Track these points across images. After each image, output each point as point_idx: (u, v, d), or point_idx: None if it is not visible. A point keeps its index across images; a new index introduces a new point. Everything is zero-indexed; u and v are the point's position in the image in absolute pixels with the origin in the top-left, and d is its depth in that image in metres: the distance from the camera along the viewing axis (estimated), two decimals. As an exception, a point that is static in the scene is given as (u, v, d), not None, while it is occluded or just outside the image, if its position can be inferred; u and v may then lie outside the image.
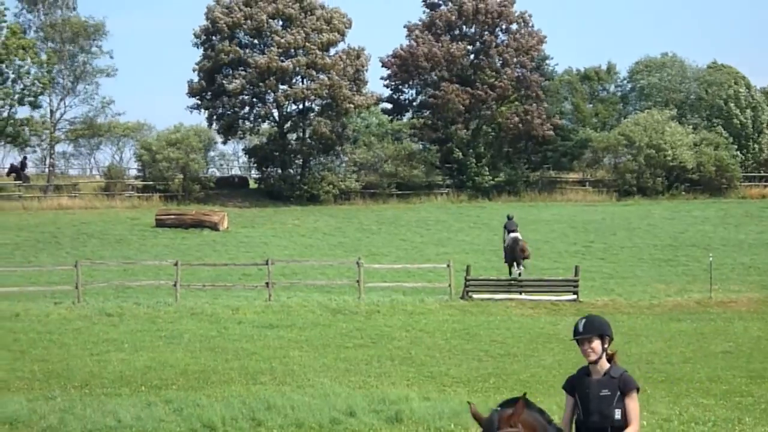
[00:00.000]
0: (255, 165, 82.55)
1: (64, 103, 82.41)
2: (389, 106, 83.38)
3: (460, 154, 76.52)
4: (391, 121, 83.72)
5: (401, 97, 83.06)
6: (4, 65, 71.64)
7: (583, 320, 10.03)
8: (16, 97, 72.54)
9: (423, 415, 16.86)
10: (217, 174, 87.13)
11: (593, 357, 9.88)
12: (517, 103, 79.83)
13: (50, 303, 35.40)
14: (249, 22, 74.79)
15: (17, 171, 79.11)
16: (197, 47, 78.09)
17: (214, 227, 58.58)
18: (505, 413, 8.57)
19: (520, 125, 77.31)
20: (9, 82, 72.68)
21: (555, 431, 9.16)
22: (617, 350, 9.99)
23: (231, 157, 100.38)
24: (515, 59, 79.06)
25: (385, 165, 75.91)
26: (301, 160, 77.30)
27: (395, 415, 16.87)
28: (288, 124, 77.95)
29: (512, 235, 44.18)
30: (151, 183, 73.43)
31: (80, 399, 18.67)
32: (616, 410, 9.71)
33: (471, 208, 69.76)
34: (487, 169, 76.75)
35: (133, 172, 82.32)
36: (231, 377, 21.97)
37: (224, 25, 74.84)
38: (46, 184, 77.75)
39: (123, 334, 29.35)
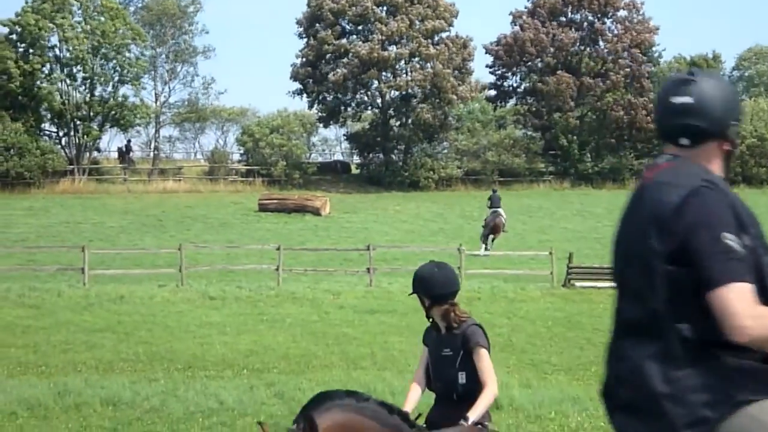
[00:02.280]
0: (357, 151, 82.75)
1: (169, 87, 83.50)
2: (493, 93, 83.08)
3: (565, 141, 75.95)
4: (495, 109, 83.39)
5: (505, 83, 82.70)
6: (105, 47, 72.55)
7: (415, 275, 8.89)
8: (117, 78, 73.44)
9: (523, 403, 16.72)
10: (320, 159, 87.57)
11: (425, 312, 8.86)
12: (624, 91, 78.96)
13: (154, 286, 35.76)
14: (354, 8, 74.83)
15: (123, 155, 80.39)
16: (300, 36, 78.42)
17: (316, 212, 58.84)
18: None
19: (626, 117, 76.58)
20: (111, 63, 73.60)
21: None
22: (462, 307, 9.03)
23: (333, 143, 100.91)
24: (626, 52, 78.13)
25: (489, 153, 75.67)
26: (403, 147, 77.28)
27: (494, 402, 16.76)
28: (391, 111, 77.96)
29: (493, 209, 47.72)
30: (254, 167, 73.97)
31: (183, 381, 18.82)
32: (460, 373, 8.51)
33: (574, 196, 69.26)
34: (590, 156, 76.14)
35: (237, 157, 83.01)
36: (332, 362, 22.01)
37: (329, 13, 74.99)
38: (151, 168, 78.78)
39: (225, 318, 29.56)
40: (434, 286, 8.70)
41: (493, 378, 8.54)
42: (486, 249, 46.66)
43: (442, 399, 8.64)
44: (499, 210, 48.40)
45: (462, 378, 8.47)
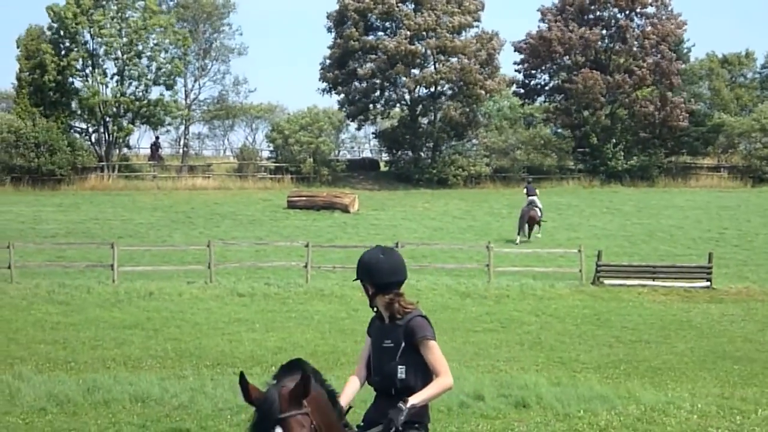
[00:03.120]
0: (386, 148, 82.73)
1: (198, 84, 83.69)
2: (521, 90, 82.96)
3: (596, 139, 75.75)
4: (522, 105, 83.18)
5: (533, 81, 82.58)
6: (140, 45, 72.76)
7: (359, 261, 8.28)
8: (152, 77, 73.60)
9: (551, 401, 16.69)
10: (348, 156, 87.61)
11: (369, 301, 8.27)
12: (653, 87, 78.67)
13: (183, 282, 35.87)
14: (380, 6, 74.86)
15: (155, 150, 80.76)
16: (330, 32, 78.60)
17: (344, 209, 58.85)
18: (287, 389, 6.80)
19: (656, 113, 76.33)
20: (144, 60, 73.76)
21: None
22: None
23: (362, 140, 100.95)
24: (653, 48, 77.86)
25: (518, 152, 75.61)
26: (432, 144, 77.25)
27: (523, 400, 16.73)
28: (419, 108, 77.94)
29: (530, 198, 49.58)
30: (282, 165, 74.07)
31: (211, 378, 18.86)
32: (400, 367, 7.97)
33: (603, 193, 69.05)
34: (622, 154, 75.93)
35: (266, 154, 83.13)
36: (360, 359, 22.02)
37: (353, 13, 75.15)
38: (180, 165, 78.99)
39: (254, 314, 29.61)
40: (379, 274, 8.11)
41: (447, 369, 8.04)
42: (520, 239, 48.38)
43: (380, 394, 8.16)
44: (534, 199, 49.93)
45: (401, 372, 7.95)
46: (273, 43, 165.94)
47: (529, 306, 32.49)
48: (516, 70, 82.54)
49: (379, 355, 8.09)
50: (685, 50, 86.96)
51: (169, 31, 74.14)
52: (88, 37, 72.82)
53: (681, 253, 45.48)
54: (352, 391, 8.26)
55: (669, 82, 77.84)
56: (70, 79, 72.18)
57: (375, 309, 8.25)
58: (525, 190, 52.06)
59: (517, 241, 47.87)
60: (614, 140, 76.48)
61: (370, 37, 75.83)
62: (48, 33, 72.13)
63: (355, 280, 8.26)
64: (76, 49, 71.60)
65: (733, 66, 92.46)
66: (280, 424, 6.75)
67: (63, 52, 71.50)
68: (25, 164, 68.25)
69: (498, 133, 77.52)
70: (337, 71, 76.74)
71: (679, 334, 26.97)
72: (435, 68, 75.57)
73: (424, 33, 74.95)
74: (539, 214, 49.99)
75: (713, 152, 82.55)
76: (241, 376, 6.84)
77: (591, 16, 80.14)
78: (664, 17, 79.40)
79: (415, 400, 7.75)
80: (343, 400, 7.90)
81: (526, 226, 49.35)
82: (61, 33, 71.70)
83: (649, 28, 78.44)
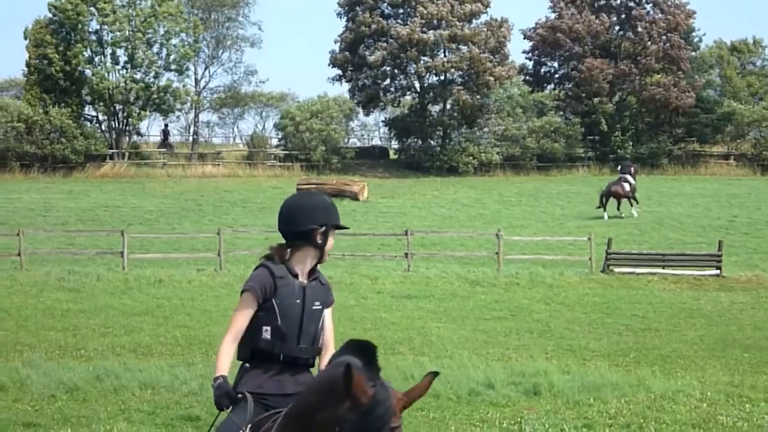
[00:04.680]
0: (395, 136, 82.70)
1: (209, 72, 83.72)
2: (530, 78, 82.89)
3: (605, 126, 75.66)
4: (532, 92, 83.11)
5: (542, 69, 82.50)
6: (150, 32, 72.72)
7: (322, 201, 7.82)
8: (162, 64, 73.59)
9: (562, 388, 16.69)
10: (358, 144, 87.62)
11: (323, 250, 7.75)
12: (661, 75, 78.55)
13: (193, 270, 35.89)
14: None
15: (166, 136, 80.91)
16: (340, 17, 78.56)
17: (354, 197, 58.84)
18: (399, 400, 5.98)
19: (660, 97, 76.23)
20: (155, 48, 73.72)
21: None
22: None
23: (372, 128, 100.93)
24: (662, 36, 77.72)
25: (528, 139, 75.51)
26: (442, 132, 77.21)
27: (533, 388, 16.73)
28: (429, 95, 77.88)
29: (620, 175, 52.19)
30: (292, 152, 74.08)
31: (221, 365, 18.87)
32: (320, 333, 7.58)
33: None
34: (631, 141, 75.85)
35: (275, 142, 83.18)
36: (369, 347, 22.00)
37: (369, -2, 75.18)
38: (190, 152, 79.04)
39: (263, 302, 29.60)
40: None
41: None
42: (607, 215, 51.52)
43: (290, 366, 7.44)
44: (626, 176, 52.39)
45: (320, 340, 7.61)
46: (283, 32, 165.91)
47: (539, 294, 32.46)
48: (527, 58, 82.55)
49: (309, 319, 7.43)
50: (696, 39, 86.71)
51: (180, 18, 74.07)
52: (95, 25, 72.82)
53: (691, 241, 45.40)
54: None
55: (678, 69, 77.72)
56: (79, 68, 72.12)
57: (275, 262, 7.54)
58: (619, 167, 54.48)
59: (605, 218, 51.02)
60: (622, 127, 76.40)
61: (383, 21, 75.74)
62: (52, 26, 72.04)
63: (321, 226, 7.59)
64: (80, 39, 71.48)
65: (741, 53, 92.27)
66: None
67: (68, 44, 71.38)
68: (36, 151, 68.37)
69: (512, 121, 77.37)
70: (348, 59, 76.70)
71: (689, 322, 26.93)
72: (445, 56, 75.50)
73: (436, 21, 74.88)
74: (626, 188, 52.07)
75: (723, 140, 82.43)
76: (348, 368, 5.79)
77: (602, 2, 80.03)
78: (672, 6, 79.25)
79: None
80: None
81: (606, 200, 51.67)
82: (65, 25, 71.58)
83: (659, 15, 78.33)
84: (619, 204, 52.29)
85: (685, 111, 77.69)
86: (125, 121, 74.20)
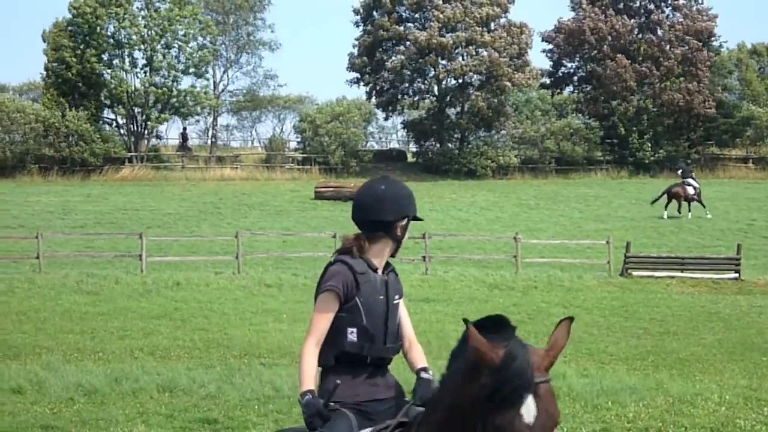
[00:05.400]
0: (413, 139, 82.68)
1: (227, 75, 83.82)
2: (548, 80, 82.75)
3: (623, 129, 75.50)
4: (552, 95, 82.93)
5: (561, 70, 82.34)
6: (168, 35, 72.80)
7: (405, 191, 7.15)
8: (181, 67, 73.67)
9: (581, 392, 16.64)
10: (376, 147, 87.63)
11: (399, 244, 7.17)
12: (681, 79, 78.34)
13: (211, 273, 35.95)
14: (411, -4, 74.93)
15: (185, 139, 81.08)
16: (357, 25, 78.57)
17: (372, 200, 58.78)
18: (538, 353, 5.33)
19: (681, 103, 76.03)
20: (173, 51, 73.83)
21: None
22: None
23: (390, 131, 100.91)
24: (683, 39, 77.52)
25: (547, 141, 75.40)
26: (460, 135, 77.17)
27: (552, 392, 16.68)
28: (447, 99, 77.85)
29: (683, 179, 53.41)
30: (311, 155, 74.12)
31: (239, 368, 18.89)
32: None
33: (631, 185, 68.86)
34: (649, 145, 75.66)
35: (293, 145, 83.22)
36: (387, 350, 21.98)
37: (386, 1, 75.10)
38: (208, 156, 79.16)
39: (282, 305, 29.63)
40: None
41: None
42: (668, 214, 53.01)
43: (378, 367, 6.97)
44: (688, 180, 53.76)
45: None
46: (300, 35, 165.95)
47: (557, 297, 32.41)
48: (546, 56, 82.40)
49: (392, 315, 6.95)
50: (717, 44, 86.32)
51: (195, 20, 74.16)
52: (113, 28, 72.95)
53: (709, 245, 45.28)
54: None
55: (697, 74, 77.53)
56: (98, 71, 72.26)
57: (354, 256, 6.94)
58: (680, 171, 55.33)
59: (664, 217, 52.62)
60: (640, 131, 76.23)
61: (400, 27, 75.75)
62: (70, 28, 72.18)
63: (403, 218, 7.01)
64: (98, 42, 71.61)
65: (761, 57, 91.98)
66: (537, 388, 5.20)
67: (86, 47, 71.52)
68: (54, 154, 68.57)
69: (529, 124, 77.27)
70: (366, 63, 76.74)
71: (708, 326, 26.86)
72: (463, 59, 75.43)
73: (453, 25, 74.81)
74: (689, 191, 53.24)
75: (742, 144, 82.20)
76: (466, 324, 5.30)
77: (621, 5, 79.89)
78: (694, 9, 79.04)
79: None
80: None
81: (668, 201, 53.12)
82: (84, 28, 71.69)
83: (680, 20, 78.14)
84: (679, 206, 53.29)
85: (705, 118, 77.55)
86: (144, 124, 74.35)
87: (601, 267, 38.34)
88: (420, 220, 7.25)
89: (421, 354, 7.20)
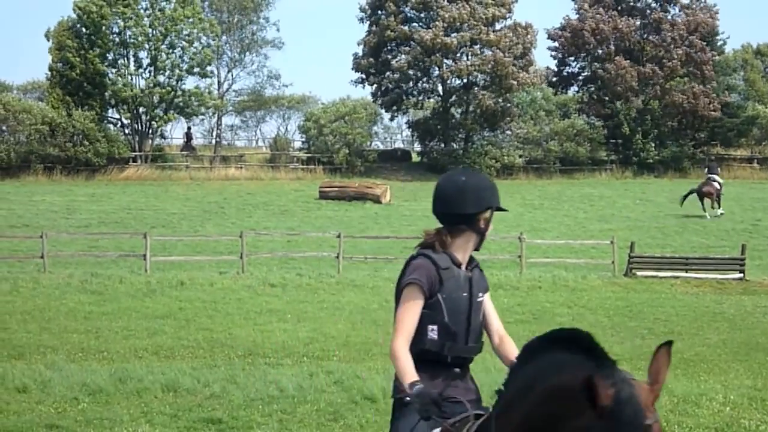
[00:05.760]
0: (418, 139, 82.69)
1: (231, 75, 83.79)
2: (554, 79, 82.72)
3: (628, 129, 75.46)
4: (555, 94, 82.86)
5: (566, 69, 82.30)
6: (173, 35, 72.78)
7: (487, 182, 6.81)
8: (185, 67, 73.66)
9: (584, 393, 16.62)
10: (381, 147, 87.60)
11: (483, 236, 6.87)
12: (685, 79, 78.28)
13: (215, 272, 35.96)
14: (416, -4, 74.91)
15: (189, 139, 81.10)
16: (362, 22, 78.57)
17: (376, 200, 58.85)
18: (644, 389, 5.13)
19: (686, 104, 75.93)
20: (177, 51, 73.80)
21: None
22: None
23: (394, 131, 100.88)
24: (686, 37, 77.43)
25: (551, 142, 75.35)
26: (464, 135, 77.16)
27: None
28: (452, 98, 77.84)
29: (708, 175, 53.84)
30: (315, 155, 74.14)
31: (243, 368, 18.88)
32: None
33: (636, 185, 68.82)
34: (653, 145, 75.61)
35: (298, 144, 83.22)
36: (391, 350, 21.95)
37: (391, 2, 75.09)
38: (212, 155, 79.18)
39: (286, 305, 29.63)
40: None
41: None
42: (709, 214, 53.12)
43: (462, 367, 6.83)
44: (714, 176, 53.80)
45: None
46: (304, 34, 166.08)
47: (562, 297, 32.39)
48: (552, 56, 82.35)
49: (475, 313, 6.72)
50: (720, 42, 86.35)
51: (197, 19, 74.13)
52: (118, 28, 72.96)
53: (714, 245, 45.24)
54: None
55: (701, 73, 77.49)
56: (103, 70, 72.30)
57: (436, 250, 6.63)
58: (706, 169, 56.23)
59: (708, 216, 52.78)
60: (645, 131, 76.16)
61: (405, 27, 75.75)
62: (74, 29, 72.20)
63: (486, 209, 6.69)
64: (102, 43, 71.61)
65: (766, 57, 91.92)
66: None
67: (91, 46, 71.53)
68: (59, 154, 68.62)
69: (533, 124, 77.27)
70: (371, 63, 76.71)
71: (712, 326, 26.84)
72: (468, 59, 75.40)
73: (458, 25, 74.80)
74: (717, 187, 53.47)
75: (747, 144, 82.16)
76: (590, 380, 4.85)
77: (625, 6, 79.83)
78: (697, 8, 79.01)
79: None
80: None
81: (702, 200, 53.36)
82: (88, 27, 71.71)
83: (681, 18, 78.09)
84: (703, 203, 53.65)
85: (709, 119, 77.52)
86: (148, 124, 74.40)
87: (606, 267, 38.30)
88: (504, 210, 6.93)
89: (515, 348, 6.87)
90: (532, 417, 5.30)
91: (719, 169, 56.69)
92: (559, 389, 5.15)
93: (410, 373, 6.28)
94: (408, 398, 6.24)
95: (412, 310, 6.47)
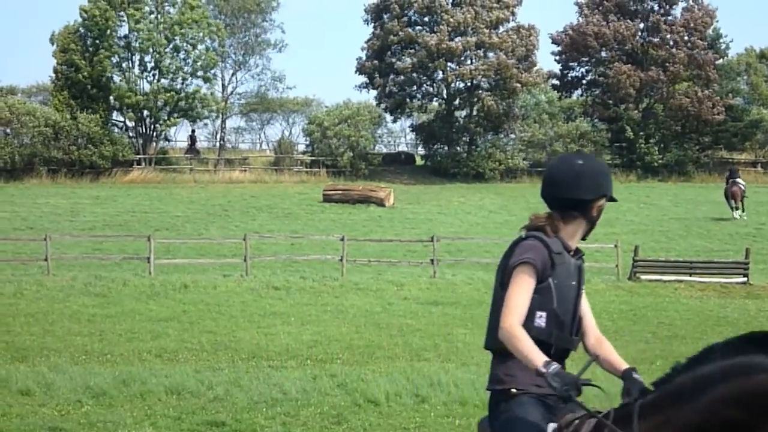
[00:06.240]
0: (421, 142, 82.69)
1: (236, 78, 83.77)
2: (557, 83, 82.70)
3: (631, 133, 75.44)
4: (560, 98, 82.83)
5: (570, 74, 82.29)
6: (177, 39, 72.78)
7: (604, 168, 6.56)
8: (189, 70, 73.66)
9: (588, 396, 16.58)
10: (384, 150, 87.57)
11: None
12: (689, 83, 78.25)
13: (219, 275, 35.97)
14: (420, 0, 74.81)
15: (193, 142, 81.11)
16: (367, 24, 78.57)
17: (380, 203, 58.86)
18: None
19: (690, 108, 75.87)
20: (182, 54, 73.79)
21: None
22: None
23: (398, 134, 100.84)
24: (686, 38, 77.39)
25: (555, 144, 75.31)
26: (468, 138, 77.15)
27: (559, 395, 16.64)
28: (456, 102, 77.84)
29: (731, 180, 54.28)
30: (319, 158, 74.14)
31: (247, 371, 18.88)
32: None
33: (640, 188, 68.74)
34: (657, 149, 75.58)
35: (301, 148, 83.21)
36: (395, 353, 21.98)
37: (395, 4, 75.09)
38: (217, 158, 79.17)
39: (289, 308, 29.63)
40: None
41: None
42: (737, 214, 54.07)
43: (560, 360, 6.40)
44: (737, 180, 54.57)
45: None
46: (307, 37, 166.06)
47: (565, 301, 32.33)
48: (556, 60, 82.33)
49: (579, 304, 6.42)
50: (723, 45, 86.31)
51: (203, 23, 74.13)
52: (124, 31, 73.08)
53: (718, 249, 45.22)
54: None
55: (705, 76, 77.44)
56: (107, 74, 72.34)
57: (549, 234, 6.36)
58: (728, 173, 56.65)
59: (736, 216, 53.69)
60: (648, 134, 76.15)
61: (410, 31, 75.74)
62: (78, 32, 72.23)
63: (601, 197, 6.44)
64: (108, 46, 71.63)
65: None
66: None
67: (95, 50, 71.58)
68: (63, 157, 68.65)
69: (537, 127, 77.22)
70: (375, 66, 76.70)
71: (716, 330, 26.78)
72: (472, 63, 75.35)
73: (463, 29, 74.79)
74: (741, 188, 54.28)
75: (751, 147, 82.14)
76: None
77: (628, 9, 79.77)
78: (696, 9, 78.88)
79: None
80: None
81: (734, 202, 54.11)
82: (93, 31, 71.73)
83: (680, 20, 77.98)
84: (732, 203, 54.29)
85: (713, 123, 77.48)
86: (153, 127, 74.42)
87: (610, 271, 38.28)
88: (615, 201, 6.67)
89: (614, 350, 6.66)
90: (706, 419, 5.13)
91: (740, 173, 57.45)
92: (750, 393, 4.96)
93: (538, 352, 5.93)
94: (516, 390, 6.07)
95: (526, 291, 6.13)
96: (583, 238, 6.46)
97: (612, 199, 6.49)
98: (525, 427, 6.00)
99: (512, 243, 6.40)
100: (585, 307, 6.51)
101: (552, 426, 6.00)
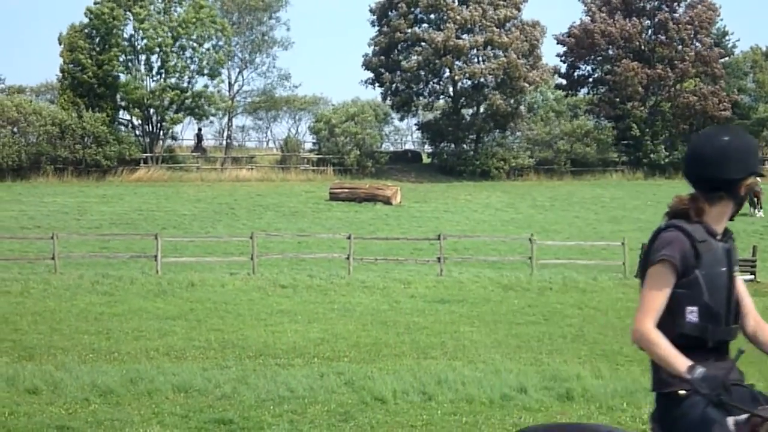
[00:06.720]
0: (428, 140, 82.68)
1: (242, 76, 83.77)
2: (563, 82, 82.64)
3: (638, 131, 75.36)
4: (566, 96, 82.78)
5: (576, 73, 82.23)
6: (184, 38, 72.81)
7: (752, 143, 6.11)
8: (195, 68, 73.70)
9: (595, 393, 16.59)
10: (391, 148, 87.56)
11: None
12: (697, 80, 78.17)
13: (226, 273, 35.98)
14: (426, -1, 74.88)
15: (200, 140, 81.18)
16: (373, 24, 78.54)
17: (386, 201, 58.86)
18: None
19: (697, 105, 75.79)
20: (188, 52, 73.81)
21: None
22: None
23: (405, 132, 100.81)
24: (692, 35, 77.30)
25: (560, 142, 75.26)
26: (475, 136, 77.12)
27: (566, 393, 16.62)
28: (462, 100, 77.80)
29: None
30: (325, 156, 74.13)
31: (254, 369, 18.86)
32: None
33: (647, 186, 68.73)
34: (663, 147, 75.51)
35: (308, 146, 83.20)
36: (402, 351, 21.96)
37: (402, 2, 75.07)
38: (223, 157, 79.20)
39: (296, 306, 29.63)
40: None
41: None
42: (756, 212, 55.97)
43: (719, 352, 6.01)
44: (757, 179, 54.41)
45: None
46: (313, 35, 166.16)
47: (572, 299, 32.36)
48: (561, 61, 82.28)
49: (734, 291, 5.94)
50: (729, 44, 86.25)
51: (209, 22, 74.13)
52: (130, 30, 73.16)
53: (725, 246, 45.07)
54: None
55: (712, 74, 77.38)
56: (114, 72, 72.43)
57: (690, 220, 5.94)
58: None
59: (758, 215, 55.45)
60: (655, 132, 76.07)
61: (416, 29, 75.75)
62: (85, 31, 72.30)
63: (750, 175, 5.95)
64: (115, 45, 71.70)
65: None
66: None
67: (102, 49, 71.66)
68: (70, 155, 68.71)
69: (543, 125, 77.21)
70: (382, 62, 76.69)
71: (723, 328, 26.76)
72: (482, 64, 75.23)
73: (470, 26, 74.75)
74: (758, 187, 54.32)
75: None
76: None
77: (634, 7, 79.71)
78: (699, 5, 78.81)
79: None
80: None
81: (755, 200, 55.60)
82: (100, 30, 71.79)
83: (688, 19, 77.89)
84: (755, 201, 55.69)
85: (720, 120, 77.40)
86: (159, 125, 74.47)
87: (617, 268, 38.28)
88: (763, 176, 6.27)
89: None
90: None
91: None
92: None
93: (680, 357, 5.63)
94: (685, 391, 5.65)
95: (662, 291, 5.85)
96: (731, 219, 6.04)
97: (760, 175, 6.08)
98: (708, 430, 5.62)
99: (654, 232, 6.00)
100: (742, 290, 6.06)
101: (731, 420, 5.59)
